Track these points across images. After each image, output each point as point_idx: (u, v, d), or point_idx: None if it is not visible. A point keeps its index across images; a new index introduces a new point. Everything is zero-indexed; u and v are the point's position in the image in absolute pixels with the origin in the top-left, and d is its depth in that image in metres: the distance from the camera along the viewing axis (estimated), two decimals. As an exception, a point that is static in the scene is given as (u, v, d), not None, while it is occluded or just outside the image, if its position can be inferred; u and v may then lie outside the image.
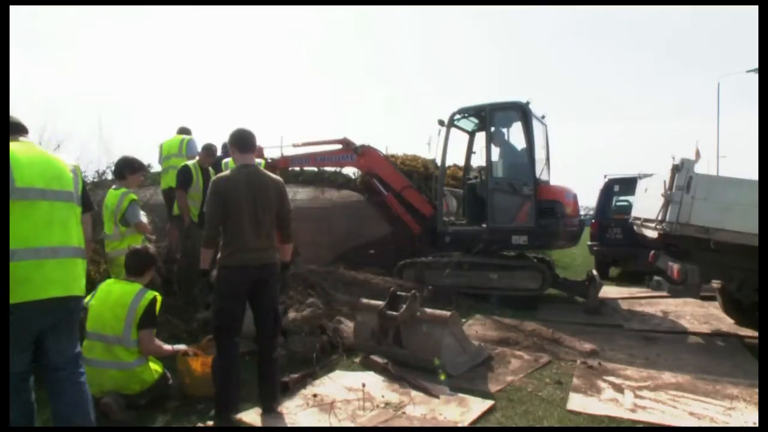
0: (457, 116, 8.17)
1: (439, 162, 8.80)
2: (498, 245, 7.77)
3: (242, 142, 3.49)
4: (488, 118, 7.82)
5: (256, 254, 3.38)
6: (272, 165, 8.30)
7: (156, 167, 8.59)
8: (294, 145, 8.63)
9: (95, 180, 8.03)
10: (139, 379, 3.61)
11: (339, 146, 8.63)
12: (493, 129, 7.88)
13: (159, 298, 3.74)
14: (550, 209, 7.37)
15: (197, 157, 6.55)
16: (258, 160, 4.36)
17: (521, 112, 7.60)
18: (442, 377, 4.22)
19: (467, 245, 7.86)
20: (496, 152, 8.00)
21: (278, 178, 3.65)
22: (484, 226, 7.69)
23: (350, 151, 8.49)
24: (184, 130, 7.41)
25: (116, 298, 3.63)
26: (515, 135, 7.92)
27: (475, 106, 8.08)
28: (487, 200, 7.64)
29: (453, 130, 8.31)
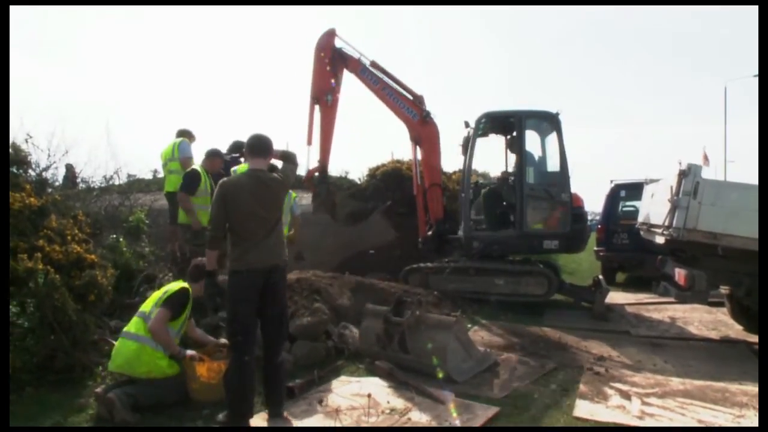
0: (484, 120, 7.94)
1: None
2: (528, 250, 7.77)
3: (255, 147, 3.53)
4: (521, 125, 7.71)
5: (264, 254, 3.41)
6: (342, 56, 7.66)
7: (161, 174, 8.64)
8: (371, 63, 7.87)
9: (102, 185, 8.08)
10: (147, 362, 3.72)
11: (411, 97, 8.11)
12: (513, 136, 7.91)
13: (190, 293, 4.01)
14: (579, 215, 7.63)
15: (192, 161, 6.58)
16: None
17: (554, 122, 7.63)
18: (440, 375, 4.22)
19: (497, 250, 7.71)
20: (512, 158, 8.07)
21: (283, 180, 3.64)
22: (509, 230, 7.61)
23: (419, 109, 8.00)
24: (181, 133, 7.39)
25: (166, 287, 4.14)
26: (538, 143, 7.94)
27: (505, 111, 7.96)
28: (520, 205, 7.48)
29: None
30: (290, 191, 6.03)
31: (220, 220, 3.39)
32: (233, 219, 3.37)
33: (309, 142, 7.67)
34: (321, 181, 7.88)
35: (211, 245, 3.48)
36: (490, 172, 11.04)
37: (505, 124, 8.25)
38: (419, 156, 8.41)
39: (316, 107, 7.65)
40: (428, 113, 8.01)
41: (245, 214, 3.37)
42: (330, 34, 7.61)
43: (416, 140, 8.24)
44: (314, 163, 8.02)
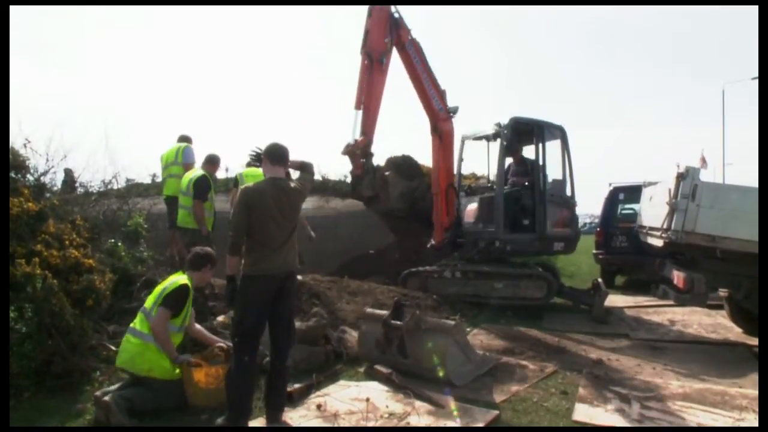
0: (513, 124, 7.89)
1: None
2: (542, 252, 8.27)
3: (273, 155, 3.59)
4: (542, 133, 7.95)
5: (281, 260, 3.46)
6: (396, 23, 7.11)
7: (160, 178, 8.62)
8: (410, 38, 7.41)
9: (101, 190, 8.06)
10: (150, 359, 3.74)
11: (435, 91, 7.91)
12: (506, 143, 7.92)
13: (190, 288, 3.99)
14: (576, 219, 8.41)
15: (196, 167, 6.59)
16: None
17: (562, 133, 8.12)
18: (441, 374, 4.21)
19: (524, 253, 8.10)
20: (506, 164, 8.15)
21: (302, 188, 3.70)
22: (530, 233, 7.75)
23: (445, 103, 7.92)
24: (183, 138, 7.41)
25: (165, 282, 4.08)
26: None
27: (527, 119, 8.04)
28: (542, 209, 7.73)
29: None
30: None
31: (244, 226, 3.41)
32: (254, 225, 3.41)
33: (358, 106, 6.84)
34: (367, 155, 7.00)
35: (233, 251, 3.49)
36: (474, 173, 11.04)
37: (523, 130, 8.23)
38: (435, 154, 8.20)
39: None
40: (456, 109, 7.89)
41: (266, 221, 3.42)
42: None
43: (439, 135, 8.05)
44: (358, 133, 7.01)
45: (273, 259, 3.43)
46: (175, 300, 3.90)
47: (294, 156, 3.73)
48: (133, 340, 3.84)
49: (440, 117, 7.95)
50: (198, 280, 4.16)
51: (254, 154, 3.84)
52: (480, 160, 9.42)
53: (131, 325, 3.98)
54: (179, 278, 4.07)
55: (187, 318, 4.10)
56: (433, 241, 8.38)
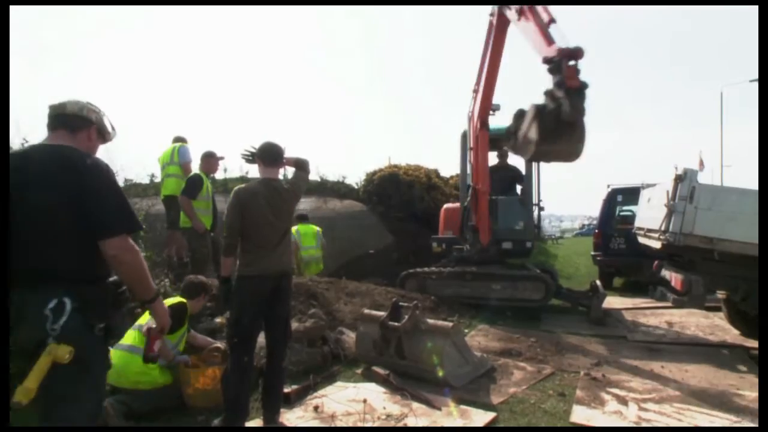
0: None
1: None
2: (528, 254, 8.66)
3: (267, 156, 3.59)
4: None
5: (276, 260, 3.46)
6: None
7: (159, 178, 8.62)
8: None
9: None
10: (136, 372, 3.65)
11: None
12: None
13: (188, 307, 4.08)
14: None
15: (191, 165, 6.59)
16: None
17: None
18: (441, 373, 4.22)
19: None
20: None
21: (295, 189, 3.71)
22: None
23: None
24: (178, 139, 7.41)
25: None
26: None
27: None
28: (539, 215, 8.60)
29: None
30: (317, 229, 8.05)
31: (237, 227, 3.41)
32: (248, 226, 3.41)
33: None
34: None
35: (227, 252, 3.49)
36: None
37: None
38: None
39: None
40: (498, 107, 7.70)
41: (261, 222, 3.42)
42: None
43: (487, 130, 7.75)
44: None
45: (268, 260, 3.43)
46: (171, 316, 3.82)
47: (290, 154, 3.73)
48: (117, 353, 3.64)
49: (488, 113, 7.67)
50: (191, 308, 4.18)
51: (247, 153, 3.77)
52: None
53: (119, 342, 3.78)
54: (179, 298, 4.15)
55: (183, 341, 4.08)
56: (470, 244, 8.08)
